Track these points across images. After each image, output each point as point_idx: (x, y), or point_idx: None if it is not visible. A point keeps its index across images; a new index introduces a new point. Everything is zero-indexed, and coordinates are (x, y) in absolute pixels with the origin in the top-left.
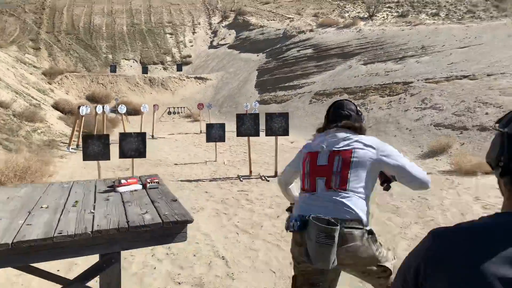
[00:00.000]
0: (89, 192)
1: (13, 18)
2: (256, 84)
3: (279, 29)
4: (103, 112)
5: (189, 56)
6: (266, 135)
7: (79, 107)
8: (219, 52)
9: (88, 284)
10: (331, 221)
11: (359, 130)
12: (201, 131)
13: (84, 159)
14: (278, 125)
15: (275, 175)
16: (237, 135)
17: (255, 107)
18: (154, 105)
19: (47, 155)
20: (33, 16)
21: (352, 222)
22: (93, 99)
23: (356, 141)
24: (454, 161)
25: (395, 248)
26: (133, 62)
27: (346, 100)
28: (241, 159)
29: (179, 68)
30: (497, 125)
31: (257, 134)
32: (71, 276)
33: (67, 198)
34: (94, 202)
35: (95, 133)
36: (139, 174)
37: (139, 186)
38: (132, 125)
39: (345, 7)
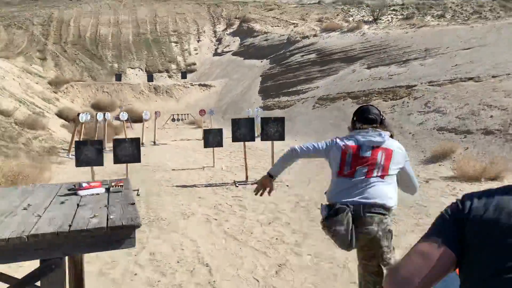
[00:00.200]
0: (49, 195)
1: (21, 30)
2: (260, 90)
3: (283, 35)
4: (104, 119)
5: (194, 64)
6: (262, 139)
7: (78, 114)
8: (224, 59)
9: None
10: (343, 208)
11: (392, 133)
12: (203, 137)
13: (76, 165)
14: (274, 130)
15: None
16: (233, 141)
17: (256, 113)
18: (155, 112)
19: (44, 161)
20: (40, 28)
21: (378, 208)
22: (98, 107)
23: (392, 143)
24: (457, 167)
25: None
26: (139, 70)
27: (370, 105)
28: (240, 164)
29: (184, 76)
30: None
31: (253, 139)
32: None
33: (23, 201)
34: (48, 206)
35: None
36: (134, 180)
37: (101, 190)
38: (136, 132)
39: (349, 11)
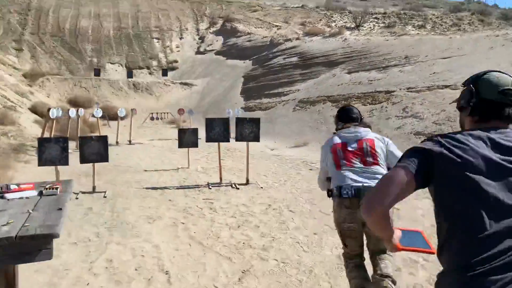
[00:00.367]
0: None
1: None
2: (242, 91)
3: (266, 37)
4: (77, 115)
5: (176, 62)
6: (237, 140)
7: (49, 109)
8: (206, 58)
9: None
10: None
11: (370, 128)
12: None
13: (39, 165)
14: (249, 131)
15: (247, 183)
16: (206, 141)
17: (237, 114)
18: (132, 109)
19: (10, 159)
20: (17, 16)
21: None
22: (75, 103)
23: (370, 133)
24: None
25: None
26: (119, 66)
27: (351, 105)
28: (216, 166)
29: (165, 73)
30: (463, 85)
31: (227, 140)
32: None
33: None
34: None
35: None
36: (102, 181)
37: (33, 193)
38: (112, 130)
39: (332, 16)
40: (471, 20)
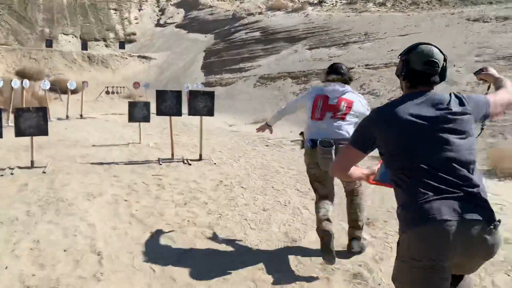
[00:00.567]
0: None
1: None
2: (203, 66)
3: (228, 10)
4: (22, 87)
5: (134, 34)
6: (189, 114)
7: None
8: (166, 31)
9: None
10: (330, 143)
11: (349, 82)
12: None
13: None
14: (203, 105)
15: (200, 159)
16: (157, 114)
17: (196, 88)
18: (83, 82)
19: None
20: None
21: (345, 141)
22: (23, 75)
23: (353, 94)
24: None
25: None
26: (72, 37)
27: (340, 63)
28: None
29: (122, 46)
30: (399, 56)
31: (179, 114)
32: None
33: None
34: None
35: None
36: (43, 155)
37: None
38: (64, 104)
39: None
40: None
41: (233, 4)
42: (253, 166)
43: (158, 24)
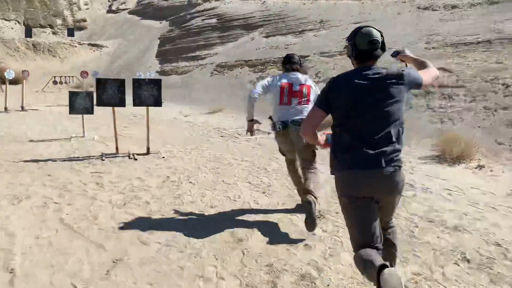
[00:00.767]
0: None
1: None
2: (158, 54)
3: None
4: None
5: (84, 20)
6: (134, 105)
7: None
8: (119, 17)
9: None
10: (300, 122)
11: (305, 73)
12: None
13: None
14: (149, 94)
15: (147, 153)
16: (97, 105)
17: (149, 77)
18: (23, 71)
19: None
20: None
21: None
22: None
23: (311, 81)
24: None
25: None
26: (15, 23)
27: (293, 54)
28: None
29: (71, 33)
30: (347, 40)
31: (122, 104)
32: None
33: None
34: None
35: None
36: None
37: None
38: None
39: None
40: None
41: None
42: (205, 159)
43: (109, 10)
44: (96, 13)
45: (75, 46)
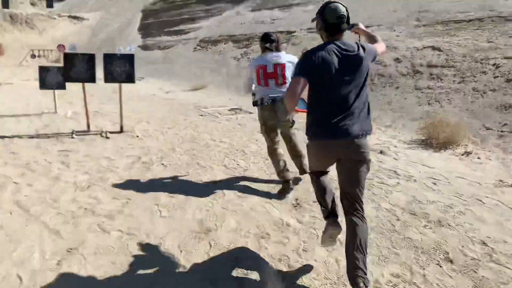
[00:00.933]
0: None
1: None
2: (140, 27)
3: None
4: None
5: None
6: (105, 81)
7: None
8: None
9: None
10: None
11: (278, 49)
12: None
13: None
14: (121, 69)
15: (121, 131)
16: (65, 80)
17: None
18: None
19: None
20: None
21: None
22: None
23: (283, 57)
24: None
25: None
26: None
27: (269, 32)
28: (93, 111)
29: (50, 5)
30: (317, 14)
31: (93, 80)
32: None
33: None
34: None
35: None
36: None
37: None
38: None
39: None
40: None
41: None
42: (182, 139)
43: None
44: None
45: (55, 18)
